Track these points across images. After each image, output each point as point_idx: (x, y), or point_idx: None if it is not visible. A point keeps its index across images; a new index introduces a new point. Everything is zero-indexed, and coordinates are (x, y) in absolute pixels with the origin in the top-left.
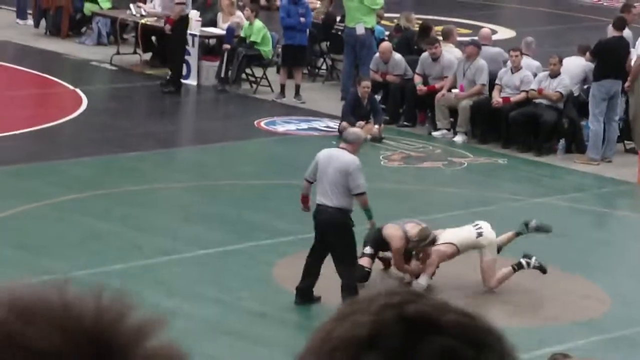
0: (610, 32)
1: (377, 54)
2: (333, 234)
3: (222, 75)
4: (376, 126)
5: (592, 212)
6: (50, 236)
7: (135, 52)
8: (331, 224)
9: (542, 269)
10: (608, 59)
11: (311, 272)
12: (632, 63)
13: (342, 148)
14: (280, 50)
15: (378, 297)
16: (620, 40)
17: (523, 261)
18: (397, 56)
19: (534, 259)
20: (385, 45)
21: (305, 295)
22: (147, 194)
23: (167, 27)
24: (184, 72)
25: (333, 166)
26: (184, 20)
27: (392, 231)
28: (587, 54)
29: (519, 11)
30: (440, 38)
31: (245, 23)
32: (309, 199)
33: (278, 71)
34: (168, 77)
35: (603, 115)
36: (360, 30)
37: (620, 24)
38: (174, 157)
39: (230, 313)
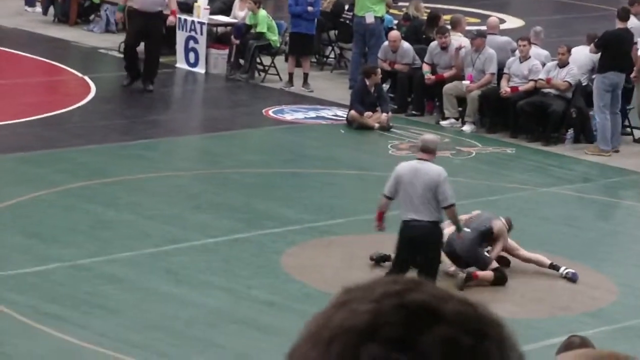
0: (616, 23)
1: (386, 43)
2: (429, 249)
3: (233, 63)
4: (384, 115)
5: (600, 202)
6: (58, 224)
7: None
8: (429, 239)
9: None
10: (612, 51)
11: None
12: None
13: (423, 159)
14: (288, 38)
15: (378, 285)
16: (625, 32)
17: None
18: (406, 45)
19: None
20: (394, 33)
21: None
22: (155, 182)
23: (173, 19)
24: (192, 60)
25: (421, 181)
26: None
27: (501, 226)
28: (592, 45)
29: (527, 0)
30: (449, 27)
31: (250, 13)
32: (384, 216)
33: (286, 60)
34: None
35: (608, 108)
36: (369, 19)
37: (624, 15)
38: (183, 145)
39: (239, 302)
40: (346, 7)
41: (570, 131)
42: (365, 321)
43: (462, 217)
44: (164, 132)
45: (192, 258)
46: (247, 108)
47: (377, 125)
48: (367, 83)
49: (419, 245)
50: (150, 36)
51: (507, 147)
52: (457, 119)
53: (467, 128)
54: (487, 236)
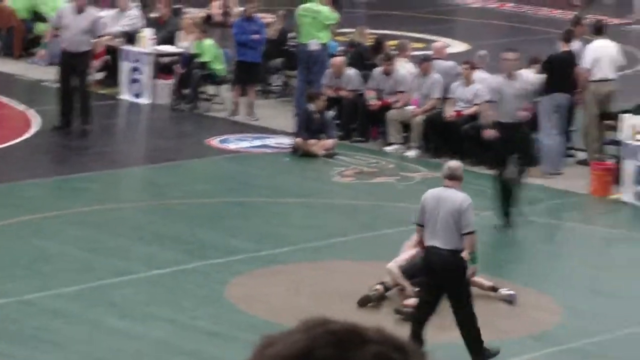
0: (559, 45)
1: (330, 69)
2: (451, 278)
3: (178, 93)
4: (329, 140)
5: (544, 224)
6: (2, 258)
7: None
8: (448, 267)
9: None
10: (557, 73)
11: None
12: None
13: (449, 186)
14: (233, 67)
15: (297, 326)
16: (569, 55)
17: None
18: (351, 71)
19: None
20: (339, 59)
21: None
22: (99, 215)
23: (96, 64)
24: (136, 90)
25: (445, 208)
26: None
27: None
28: (538, 67)
29: (473, 25)
30: (395, 52)
31: (195, 42)
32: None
33: (232, 89)
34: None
35: (555, 129)
36: (314, 46)
37: (568, 37)
38: (127, 176)
39: (184, 333)
40: (290, 35)
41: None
42: (300, 347)
43: (417, 238)
44: (108, 164)
45: (136, 290)
46: (192, 138)
47: (322, 152)
48: (312, 108)
49: (439, 273)
50: (78, 75)
51: None
52: (401, 144)
53: (411, 153)
54: None
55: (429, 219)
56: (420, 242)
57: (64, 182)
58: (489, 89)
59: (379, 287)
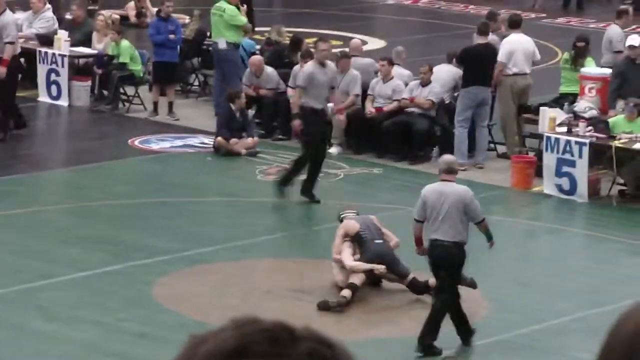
0: (476, 38)
1: (249, 68)
2: (447, 268)
3: (96, 94)
4: (250, 139)
5: None
6: None
7: None
8: (447, 259)
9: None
10: (474, 66)
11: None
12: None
13: (447, 180)
14: (151, 67)
15: (227, 323)
16: (486, 47)
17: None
18: (269, 70)
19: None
20: (256, 58)
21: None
22: (22, 218)
23: (2, 71)
24: (55, 93)
25: (448, 202)
26: (15, 60)
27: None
28: (454, 60)
29: (389, 21)
30: (313, 50)
31: (112, 43)
32: (423, 240)
33: (150, 89)
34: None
35: (468, 122)
36: (221, 44)
37: (484, 30)
38: (48, 179)
39: (111, 335)
40: (208, 34)
41: (436, 149)
42: (232, 344)
43: (345, 229)
44: (28, 167)
45: (62, 293)
46: (112, 139)
47: (244, 151)
48: (232, 108)
49: (442, 264)
50: None
51: (374, 168)
52: None
53: (333, 150)
54: (381, 233)
55: (432, 214)
56: (418, 239)
57: None
58: (302, 75)
59: (346, 293)
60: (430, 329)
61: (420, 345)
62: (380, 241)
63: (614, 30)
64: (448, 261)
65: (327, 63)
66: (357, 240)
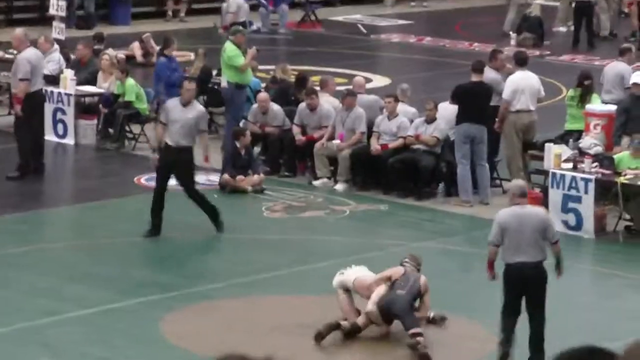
0: (472, 76)
1: (255, 105)
2: (540, 286)
3: (102, 132)
4: (256, 176)
5: (471, 253)
6: None
7: (9, 114)
8: (539, 277)
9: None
10: (467, 104)
11: (511, 336)
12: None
13: (523, 204)
14: (156, 106)
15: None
16: (479, 85)
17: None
18: (275, 107)
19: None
20: (263, 95)
21: None
22: (27, 255)
23: (17, 108)
24: (61, 131)
25: (529, 226)
26: (31, 99)
27: (425, 280)
28: (450, 98)
29: (393, 59)
30: (318, 88)
31: (117, 82)
32: (494, 264)
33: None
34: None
35: (468, 159)
36: (223, 82)
37: (479, 68)
38: (54, 216)
39: None
40: (214, 72)
41: (441, 185)
42: None
43: (386, 274)
44: (35, 204)
45: (68, 330)
46: (118, 177)
47: (250, 188)
48: (238, 145)
49: (534, 282)
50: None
51: (380, 204)
52: (329, 178)
53: (339, 187)
54: (417, 295)
55: (512, 238)
56: (491, 263)
57: None
58: (164, 112)
59: (345, 323)
60: (537, 349)
61: None
62: (402, 292)
63: (623, 67)
64: (541, 279)
65: (192, 103)
66: (391, 285)
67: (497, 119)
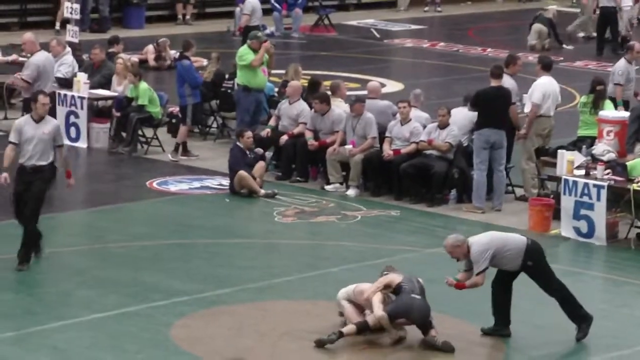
0: (491, 81)
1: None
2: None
3: (115, 136)
4: (260, 164)
5: None
6: None
7: (22, 115)
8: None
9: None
10: (487, 109)
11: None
12: (526, 110)
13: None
14: (169, 110)
15: None
16: (499, 90)
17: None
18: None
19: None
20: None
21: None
22: (39, 260)
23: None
24: (74, 134)
25: None
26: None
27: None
28: (468, 104)
29: (406, 64)
30: (329, 93)
31: (130, 86)
32: None
33: (169, 131)
34: None
35: (485, 164)
36: (235, 85)
37: (497, 73)
38: (67, 220)
39: None
40: (227, 76)
41: (453, 191)
42: None
43: (390, 279)
44: (46, 208)
45: (79, 334)
46: (130, 181)
47: (262, 192)
48: (241, 145)
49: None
50: None
51: (391, 210)
52: (341, 183)
53: (351, 192)
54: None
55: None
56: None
57: (4, 227)
58: (14, 132)
59: (348, 328)
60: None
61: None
62: (419, 297)
63: (618, 63)
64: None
65: (45, 118)
66: (396, 291)
67: (514, 125)
